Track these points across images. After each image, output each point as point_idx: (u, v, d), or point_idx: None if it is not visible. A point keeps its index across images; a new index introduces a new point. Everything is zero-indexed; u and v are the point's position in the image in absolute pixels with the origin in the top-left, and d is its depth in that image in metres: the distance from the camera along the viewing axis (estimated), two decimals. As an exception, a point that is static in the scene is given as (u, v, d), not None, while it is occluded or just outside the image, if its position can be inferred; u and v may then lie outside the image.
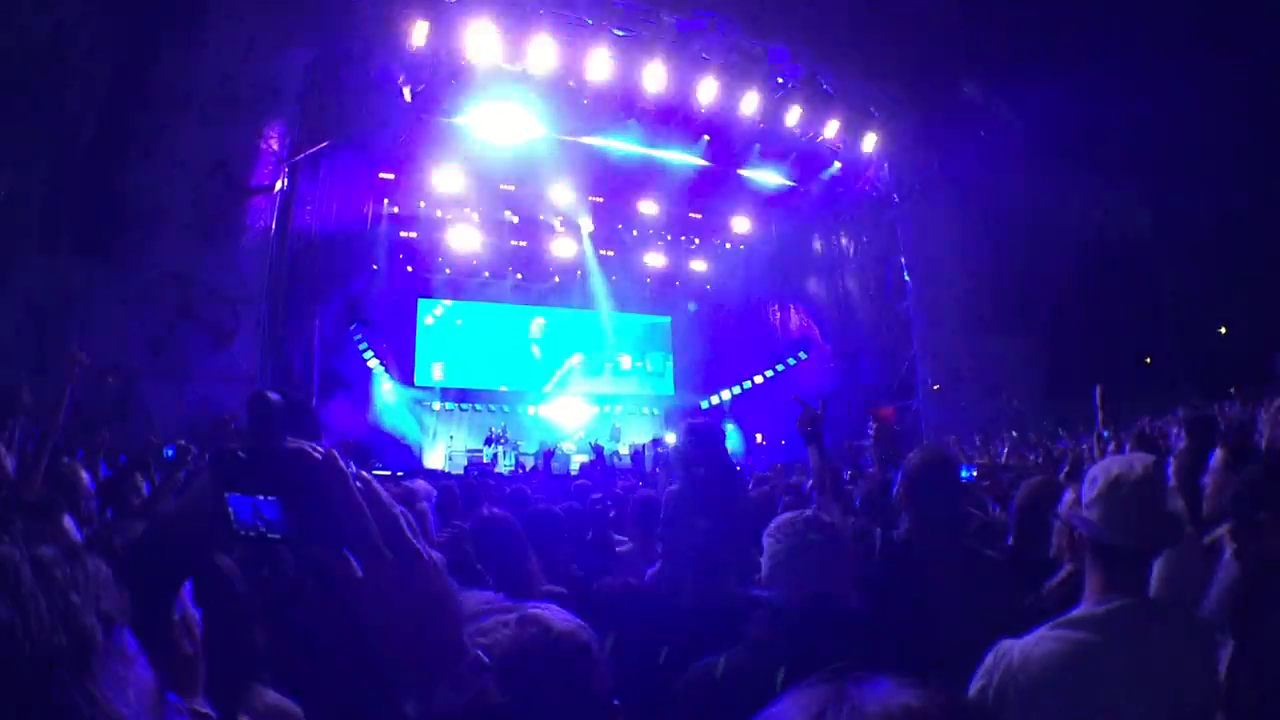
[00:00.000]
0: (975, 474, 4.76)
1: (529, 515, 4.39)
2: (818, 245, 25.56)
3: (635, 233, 25.35)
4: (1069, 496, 3.06)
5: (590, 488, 6.95)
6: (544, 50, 17.94)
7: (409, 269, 23.86)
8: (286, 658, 1.82)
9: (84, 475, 4.12)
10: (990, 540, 3.88)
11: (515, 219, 24.12)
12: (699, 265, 27.30)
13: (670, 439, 19.07)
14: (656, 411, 27.28)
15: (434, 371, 24.53)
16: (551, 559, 4.15)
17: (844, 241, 24.98)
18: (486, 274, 25.16)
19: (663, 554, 4.06)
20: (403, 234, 23.11)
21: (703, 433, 4.13)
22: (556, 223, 24.37)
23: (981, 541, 3.66)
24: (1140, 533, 2.18)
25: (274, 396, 1.24)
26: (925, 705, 0.73)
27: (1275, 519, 2.44)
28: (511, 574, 3.41)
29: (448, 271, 24.59)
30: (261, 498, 1.22)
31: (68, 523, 2.93)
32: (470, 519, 4.07)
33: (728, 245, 26.81)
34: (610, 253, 25.53)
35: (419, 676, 1.25)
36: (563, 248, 25.10)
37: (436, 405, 24.29)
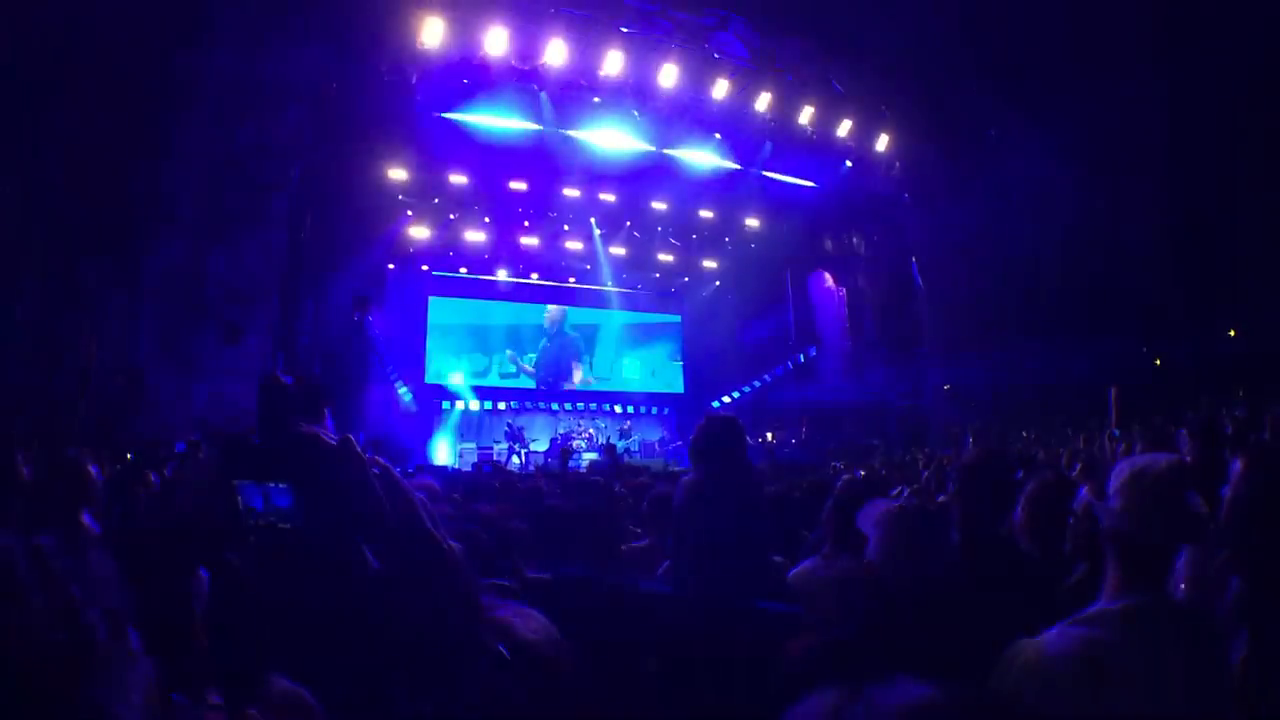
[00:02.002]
0: None
1: (539, 513, 4.35)
2: (829, 244, 25.50)
3: (645, 232, 25.29)
4: (1084, 495, 3.05)
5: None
6: (555, 48, 17.93)
7: (424, 267, 23.92)
8: (300, 652, 1.79)
9: (93, 469, 4.10)
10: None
11: (527, 223, 24.15)
12: (710, 264, 27.28)
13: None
14: (666, 410, 27.32)
15: (444, 369, 24.61)
16: (558, 557, 4.11)
17: (855, 241, 24.93)
18: (503, 273, 25.23)
19: (673, 548, 4.04)
20: (414, 231, 23.12)
21: (720, 426, 4.10)
22: (567, 222, 24.36)
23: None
24: (1161, 527, 2.17)
25: (286, 380, 1.20)
26: (944, 701, 0.71)
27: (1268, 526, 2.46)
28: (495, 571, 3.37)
29: (463, 271, 24.66)
30: (273, 485, 1.18)
31: (84, 518, 2.90)
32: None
33: (739, 244, 26.75)
34: (621, 251, 25.53)
35: (438, 671, 1.22)
36: (574, 246, 25.11)
37: (446, 404, 24.37)
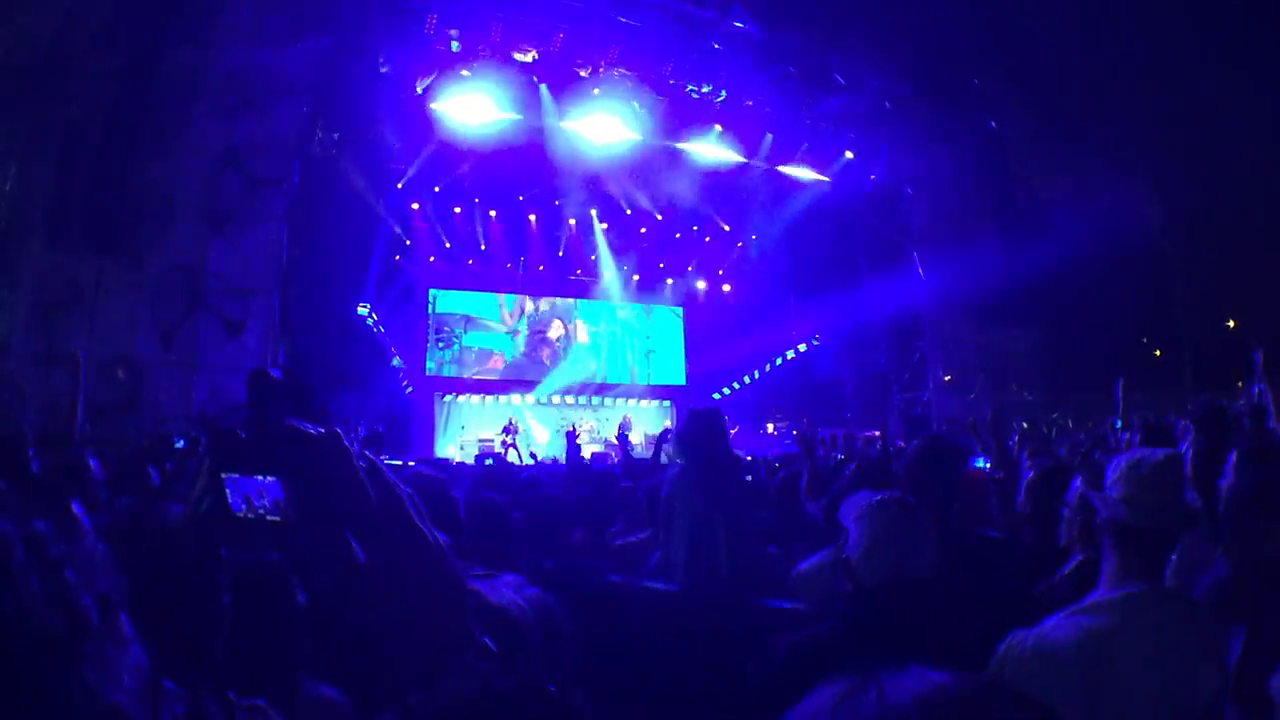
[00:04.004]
0: (990, 464, 4.71)
1: (534, 501, 4.37)
2: (829, 235, 25.40)
3: (647, 223, 25.22)
4: (1078, 485, 3.06)
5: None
6: (555, 39, 17.91)
7: (430, 259, 23.87)
8: (289, 643, 1.81)
9: (93, 463, 4.11)
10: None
11: (533, 216, 24.12)
12: (711, 255, 27.23)
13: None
14: (667, 403, 27.29)
15: (442, 362, 24.61)
16: (553, 545, 4.13)
17: (856, 232, 24.86)
18: (509, 265, 25.19)
19: (661, 539, 4.08)
20: (416, 225, 23.08)
21: (704, 418, 4.14)
22: (569, 214, 24.34)
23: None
24: (1158, 514, 2.18)
25: (275, 374, 1.21)
26: (957, 689, 0.72)
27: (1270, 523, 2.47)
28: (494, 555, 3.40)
29: (470, 262, 24.60)
30: (260, 479, 1.19)
31: (75, 509, 2.91)
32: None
33: (740, 235, 26.69)
34: (622, 243, 25.50)
35: (423, 664, 1.23)
36: (576, 238, 25.08)
37: (448, 397, 24.35)
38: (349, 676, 1.72)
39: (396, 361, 21.63)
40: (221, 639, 1.50)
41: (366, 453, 1.30)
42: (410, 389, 22.80)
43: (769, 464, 10.87)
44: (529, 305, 26.14)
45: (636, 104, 19.77)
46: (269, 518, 1.22)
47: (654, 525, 4.58)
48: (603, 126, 19.72)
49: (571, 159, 20.75)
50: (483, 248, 24.44)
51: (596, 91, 19.34)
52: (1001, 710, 0.73)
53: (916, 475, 3.34)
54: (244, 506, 1.23)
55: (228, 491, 1.23)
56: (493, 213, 23.47)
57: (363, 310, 19.96)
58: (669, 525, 3.99)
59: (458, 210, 23.11)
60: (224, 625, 1.52)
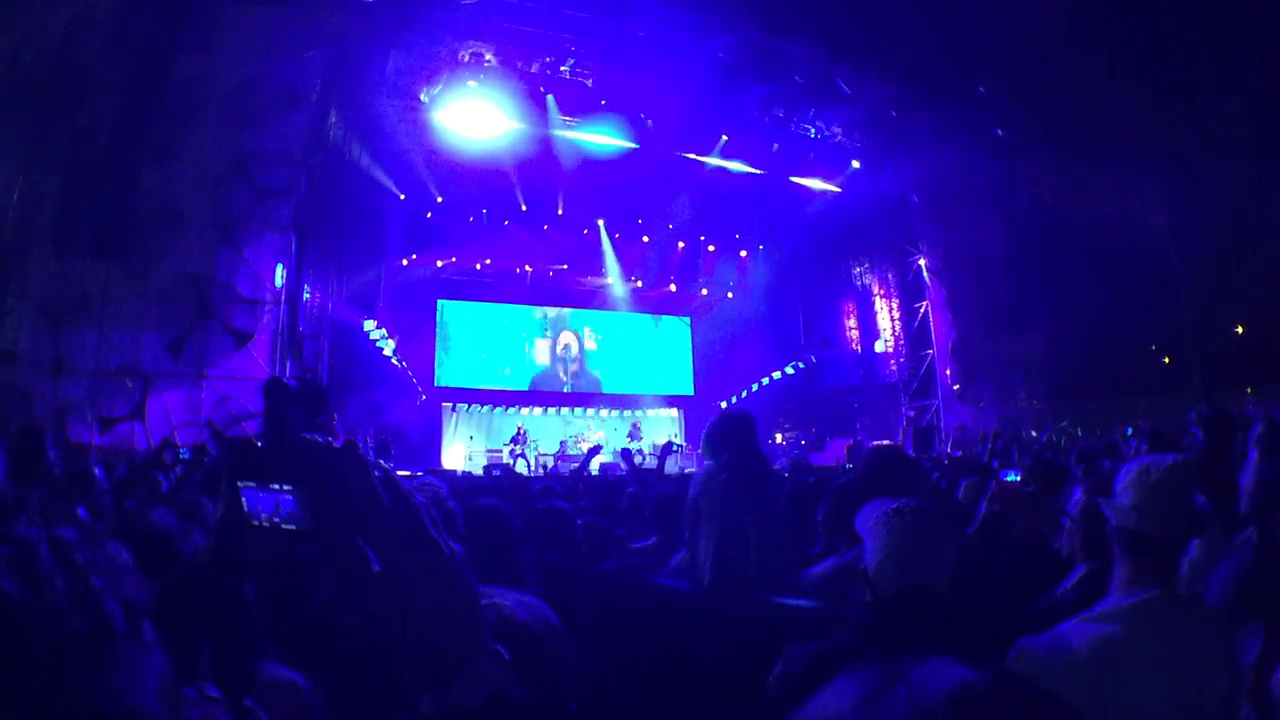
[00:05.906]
0: (1021, 479, 4.58)
1: (538, 510, 4.37)
2: (837, 243, 25.38)
3: (655, 233, 25.20)
4: (1079, 496, 3.03)
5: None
6: (563, 51, 17.95)
7: (438, 262, 23.86)
8: (300, 652, 1.81)
9: (97, 472, 4.13)
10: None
11: (545, 226, 24.11)
12: (718, 264, 27.21)
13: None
14: (675, 412, 27.26)
15: (451, 373, 24.61)
16: (556, 553, 4.12)
17: (862, 241, 24.85)
18: (518, 270, 25.16)
19: (687, 539, 4.07)
20: (424, 234, 23.07)
21: (734, 419, 4.14)
22: (577, 224, 24.32)
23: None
24: (1168, 520, 2.18)
25: (290, 383, 1.22)
26: (985, 682, 0.72)
27: None
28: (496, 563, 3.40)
29: (478, 267, 24.57)
30: (276, 488, 1.20)
31: (80, 514, 2.93)
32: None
33: (747, 244, 26.66)
34: (631, 252, 25.48)
35: (437, 672, 1.24)
36: (584, 248, 25.08)
37: (458, 407, 24.36)
38: (361, 682, 1.72)
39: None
40: (247, 645, 1.50)
41: (381, 462, 1.30)
42: (424, 398, 22.80)
43: (777, 474, 10.86)
44: (537, 315, 26.15)
45: (644, 114, 19.82)
46: (285, 526, 1.22)
47: (662, 531, 4.58)
48: (611, 136, 19.76)
49: (580, 168, 20.79)
50: (487, 261, 24.43)
51: (604, 101, 19.40)
52: (1033, 708, 0.73)
53: (874, 484, 3.33)
54: (260, 515, 1.23)
55: (244, 500, 1.23)
56: (506, 222, 23.45)
57: (369, 326, 19.93)
58: (695, 525, 3.98)
59: (471, 219, 23.11)
60: (250, 631, 1.53)
